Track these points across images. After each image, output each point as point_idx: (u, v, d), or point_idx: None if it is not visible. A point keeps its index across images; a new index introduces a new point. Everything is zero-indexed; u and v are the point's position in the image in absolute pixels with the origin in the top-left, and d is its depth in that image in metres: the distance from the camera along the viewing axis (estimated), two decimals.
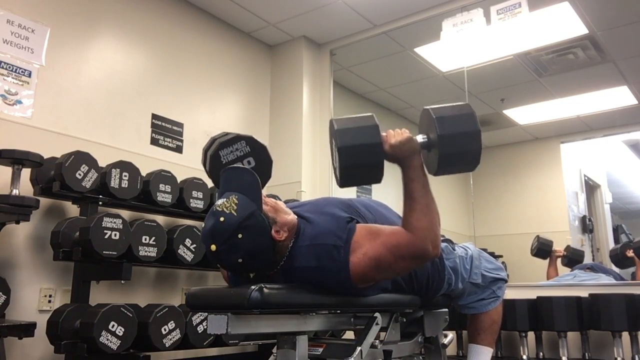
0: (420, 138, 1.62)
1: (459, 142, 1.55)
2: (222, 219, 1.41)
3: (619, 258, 3.56)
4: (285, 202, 1.69)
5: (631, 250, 3.44)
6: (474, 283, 1.95)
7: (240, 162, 1.70)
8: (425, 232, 1.50)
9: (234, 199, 1.44)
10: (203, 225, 1.48)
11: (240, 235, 1.41)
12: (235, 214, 1.41)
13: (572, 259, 3.76)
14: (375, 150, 1.54)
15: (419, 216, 1.52)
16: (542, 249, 3.82)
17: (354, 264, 1.49)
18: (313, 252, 1.52)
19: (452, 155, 1.57)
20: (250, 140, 1.72)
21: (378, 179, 1.58)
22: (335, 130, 1.56)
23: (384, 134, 1.58)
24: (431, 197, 1.55)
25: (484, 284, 1.97)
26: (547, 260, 3.82)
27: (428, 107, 1.62)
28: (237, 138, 1.72)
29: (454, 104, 1.65)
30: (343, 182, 1.60)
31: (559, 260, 3.79)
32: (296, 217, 1.60)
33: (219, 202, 1.45)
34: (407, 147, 1.56)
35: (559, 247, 3.82)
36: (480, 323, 2.02)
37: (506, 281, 2.06)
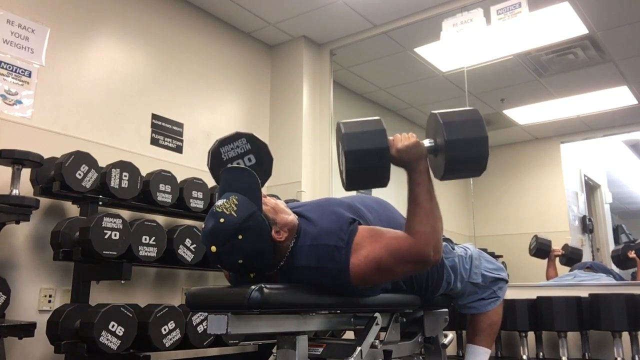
0: (427, 142, 1.62)
1: (466, 147, 1.55)
2: (222, 220, 1.40)
3: (620, 259, 3.54)
4: (286, 202, 1.69)
5: (633, 252, 3.43)
6: (474, 283, 1.94)
7: (241, 159, 1.70)
8: (427, 237, 1.50)
9: (234, 200, 1.43)
10: (203, 225, 1.48)
11: (240, 236, 1.40)
12: (235, 215, 1.41)
13: (571, 257, 3.76)
14: (382, 155, 1.54)
15: (422, 220, 1.52)
16: (541, 248, 3.82)
17: (354, 265, 1.48)
18: (314, 252, 1.52)
19: (459, 161, 1.56)
20: (250, 138, 1.73)
21: (384, 184, 1.58)
22: (343, 134, 1.56)
23: (390, 138, 1.58)
24: (435, 203, 1.55)
25: (484, 283, 1.97)
26: (546, 260, 3.82)
27: (436, 111, 1.61)
28: (238, 135, 1.72)
29: (462, 109, 1.65)
30: (349, 186, 1.60)
31: (557, 260, 3.79)
32: (296, 217, 1.60)
33: (219, 202, 1.45)
34: (413, 151, 1.56)
35: (558, 246, 3.82)
36: (479, 324, 2.02)
37: (507, 281, 2.06)
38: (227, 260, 1.45)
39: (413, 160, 1.56)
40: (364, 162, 1.54)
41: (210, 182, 3.01)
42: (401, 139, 1.58)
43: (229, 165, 1.57)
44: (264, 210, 1.49)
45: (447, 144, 1.54)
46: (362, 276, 1.50)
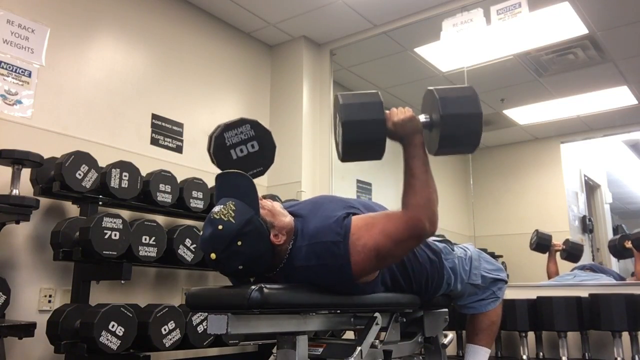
0: (422, 117, 1.65)
1: (461, 123, 1.58)
2: (220, 226, 1.40)
3: (617, 249, 3.58)
4: (285, 202, 1.69)
5: (630, 242, 3.45)
6: (474, 284, 1.95)
7: (244, 145, 1.71)
8: (421, 209, 1.51)
9: (231, 206, 1.43)
10: (201, 232, 1.48)
11: (239, 243, 1.40)
12: (233, 221, 1.40)
13: (571, 252, 3.76)
14: (379, 127, 1.56)
15: (416, 192, 1.53)
16: (541, 243, 3.82)
17: (354, 257, 1.49)
18: (313, 251, 1.52)
19: (453, 136, 1.59)
20: (255, 124, 1.73)
21: (379, 156, 1.60)
22: (341, 104, 1.58)
23: (387, 111, 1.60)
24: (430, 175, 1.57)
25: (484, 284, 1.98)
26: (547, 257, 3.82)
27: (432, 87, 1.64)
28: (242, 121, 1.72)
29: (458, 86, 1.67)
30: (345, 157, 1.62)
31: (558, 255, 3.79)
32: (292, 218, 1.60)
33: (216, 209, 1.44)
34: (409, 125, 1.58)
35: (558, 242, 3.82)
36: (478, 323, 2.02)
37: (506, 282, 2.06)
38: (227, 266, 1.44)
39: (408, 133, 1.58)
40: (360, 133, 1.55)
41: (210, 182, 3.01)
42: (397, 112, 1.60)
43: (223, 171, 1.56)
44: (262, 214, 1.49)
45: (442, 118, 1.56)
46: (363, 266, 1.51)
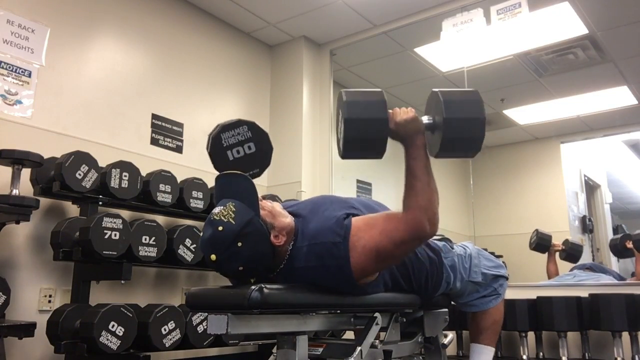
0: (425, 119, 1.65)
1: (464, 127, 1.57)
2: (220, 228, 1.40)
3: (618, 249, 3.60)
4: (285, 202, 1.69)
5: (630, 242, 3.47)
6: (475, 281, 1.95)
7: (241, 147, 1.71)
8: (422, 210, 1.51)
9: (232, 207, 1.43)
10: (202, 233, 1.48)
11: (240, 244, 1.40)
12: (233, 222, 1.40)
13: (571, 253, 3.77)
14: (381, 126, 1.56)
15: (417, 193, 1.53)
16: (541, 243, 3.83)
17: (354, 258, 1.49)
18: (313, 251, 1.52)
19: (455, 140, 1.59)
20: (252, 126, 1.73)
21: (379, 155, 1.60)
22: (344, 101, 1.58)
23: (390, 111, 1.60)
24: (431, 176, 1.56)
25: (485, 281, 1.97)
26: (546, 257, 3.82)
27: (437, 89, 1.64)
28: (240, 122, 1.73)
29: (463, 89, 1.67)
30: (345, 154, 1.62)
31: (557, 255, 3.80)
32: (293, 219, 1.60)
33: (216, 210, 1.44)
34: (411, 125, 1.58)
35: (558, 242, 3.83)
36: (481, 322, 2.02)
37: (507, 278, 2.06)
38: (227, 267, 1.44)
39: (410, 134, 1.58)
40: (362, 131, 1.55)
41: (210, 182, 3.01)
42: (400, 112, 1.60)
43: (224, 172, 1.56)
44: (262, 215, 1.49)
45: (445, 121, 1.56)
46: (363, 267, 1.50)
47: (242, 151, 1.71)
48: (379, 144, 1.58)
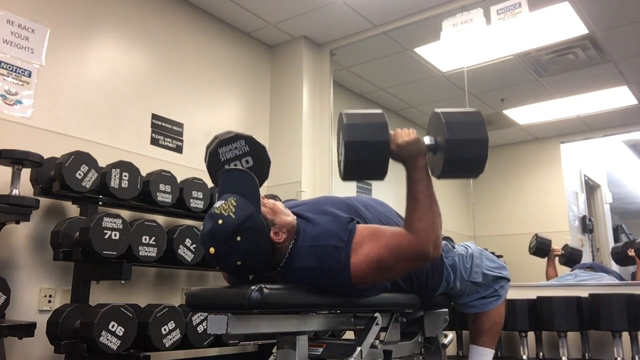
0: (427, 140, 1.63)
1: (466, 148, 1.56)
2: (220, 221, 1.40)
3: (620, 256, 3.59)
4: (285, 202, 1.69)
5: (633, 250, 3.46)
6: (475, 282, 1.94)
7: (239, 161, 1.71)
8: (426, 234, 1.50)
9: (232, 201, 1.43)
10: (202, 227, 1.48)
11: (239, 238, 1.40)
12: (233, 216, 1.41)
13: (570, 258, 3.77)
14: (382, 148, 1.55)
15: (420, 217, 1.52)
16: (541, 247, 3.83)
17: (355, 265, 1.48)
18: (314, 252, 1.52)
19: (458, 161, 1.57)
20: (249, 140, 1.73)
21: (381, 177, 1.59)
22: (345, 124, 1.57)
23: (391, 132, 1.59)
24: (434, 199, 1.55)
25: (485, 282, 1.96)
26: (546, 260, 3.82)
27: (439, 110, 1.62)
28: (237, 137, 1.73)
29: (465, 109, 1.66)
30: (346, 176, 1.61)
31: (557, 260, 3.80)
32: (295, 217, 1.60)
33: (217, 204, 1.45)
34: (413, 147, 1.57)
35: (558, 246, 3.82)
36: (481, 324, 2.01)
37: (509, 280, 2.04)
38: (225, 261, 1.45)
39: (412, 156, 1.57)
40: (363, 154, 1.54)
41: (210, 182, 3.01)
42: (402, 134, 1.58)
43: (228, 167, 1.57)
44: (263, 211, 1.49)
45: (447, 143, 1.54)
46: (363, 275, 1.50)
47: (240, 165, 1.72)
48: (380, 167, 1.57)
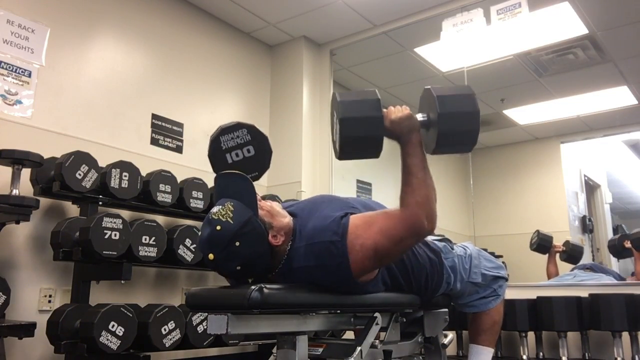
0: (420, 116, 1.65)
1: (458, 121, 1.58)
2: (218, 227, 1.40)
3: (617, 249, 3.60)
4: (285, 202, 1.69)
5: (629, 242, 3.47)
6: (474, 282, 1.95)
7: (240, 150, 1.71)
8: (420, 207, 1.51)
9: (230, 206, 1.43)
10: (200, 233, 1.48)
11: (237, 243, 1.40)
12: (231, 221, 1.40)
13: (571, 254, 3.77)
14: (376, 124, 1.56)
15: (414, 190, 1.53)
16: (542, 244, 3.83)
17: (353, 256, 1.49)
18: (311, 251, 1.52)
19: (450, 134, 1.59)
20: (251, 129, 1.73)
21: (376, 154, 1.60)
22: (338, 102, 1.58)
23: (385, 109, 1.60)
24: (428, 173, 1.56)
25: (484, 282, 1.97)
26: (546, 257, 3.82)
27: (429, 86, 1.65)
28: (239, 125, 1.72)
29: (455, 85, 1.67)
30: (342, 155, 1.62)
31: (557, 256, 3.80)
32: (291, 218, 1.60)
33: (215, 209, 1.44)
34: (406, 123, 1.58)
35: (559, 243, 3.83)
36: (481, 323, 2.02)
37: (507, 279, 2.06)
38: (225, 267, 1.45)
39: (406, 132, 1.58)
40: (357, 130, 1.55)
41: (210, 182, 3.01)
42: (395, 111, 1.60)
43: (223, 172, 1.56)
44: (260, 214, 1.49)
45: (439, 116, 1.56)
46: (362, 265, 1.50)
47: (241, 154, 1.71)
48: (375, 143, 1.58)
